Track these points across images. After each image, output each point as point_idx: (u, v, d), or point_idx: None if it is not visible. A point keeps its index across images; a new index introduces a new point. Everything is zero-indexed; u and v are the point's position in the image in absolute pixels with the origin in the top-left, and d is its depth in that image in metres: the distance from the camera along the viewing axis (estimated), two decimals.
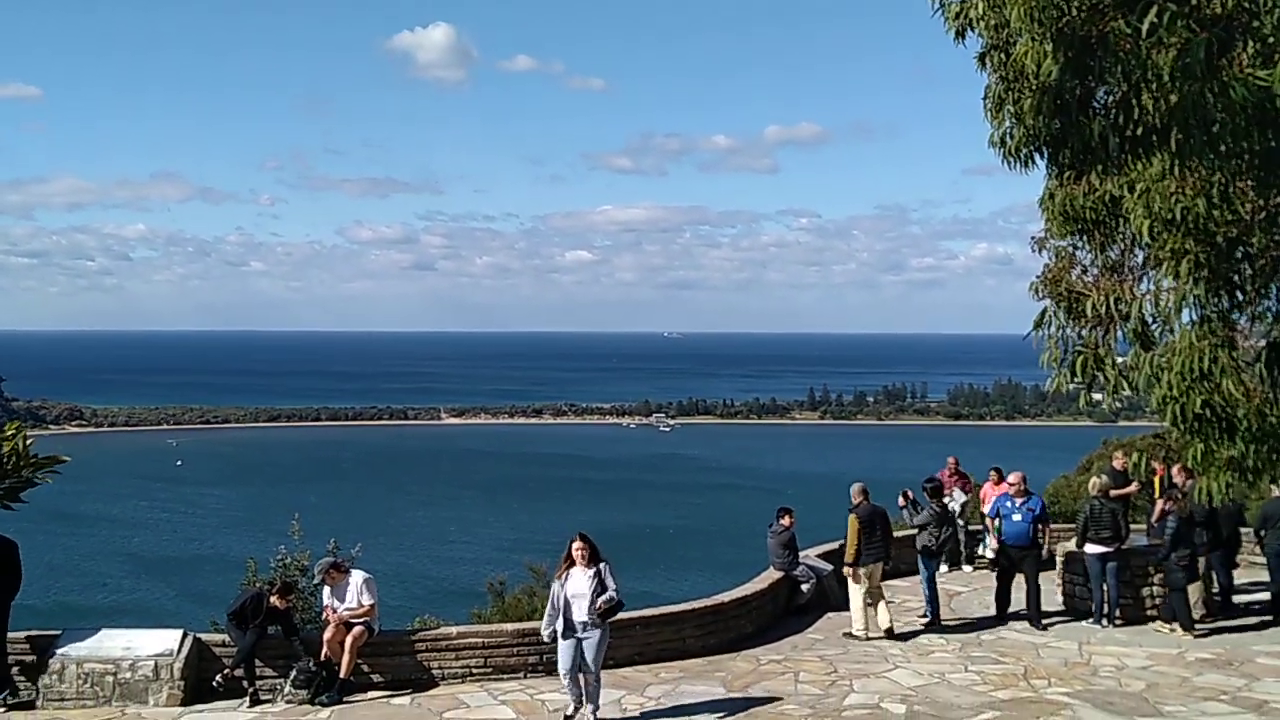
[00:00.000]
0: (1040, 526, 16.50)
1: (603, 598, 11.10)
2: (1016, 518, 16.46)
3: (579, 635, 11.16)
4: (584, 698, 11.33)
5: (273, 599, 13.14)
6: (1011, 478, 17.19)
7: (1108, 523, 15.93)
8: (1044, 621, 16.02)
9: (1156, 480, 18.54)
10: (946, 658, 14.40)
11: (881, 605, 15.91)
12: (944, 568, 18.96)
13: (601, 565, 11.28)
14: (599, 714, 11.29)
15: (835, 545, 17.87)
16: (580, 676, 11.30)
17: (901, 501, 17.56)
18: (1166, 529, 15.65)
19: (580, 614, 11.12)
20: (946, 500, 18.04)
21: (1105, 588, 16.08)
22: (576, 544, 11.39)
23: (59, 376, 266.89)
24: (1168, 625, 15.58)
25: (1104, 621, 15.96)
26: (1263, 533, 16.68)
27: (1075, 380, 9.15)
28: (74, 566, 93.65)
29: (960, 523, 20.03)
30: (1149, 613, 16.19)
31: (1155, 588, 16.25)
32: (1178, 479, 17.50)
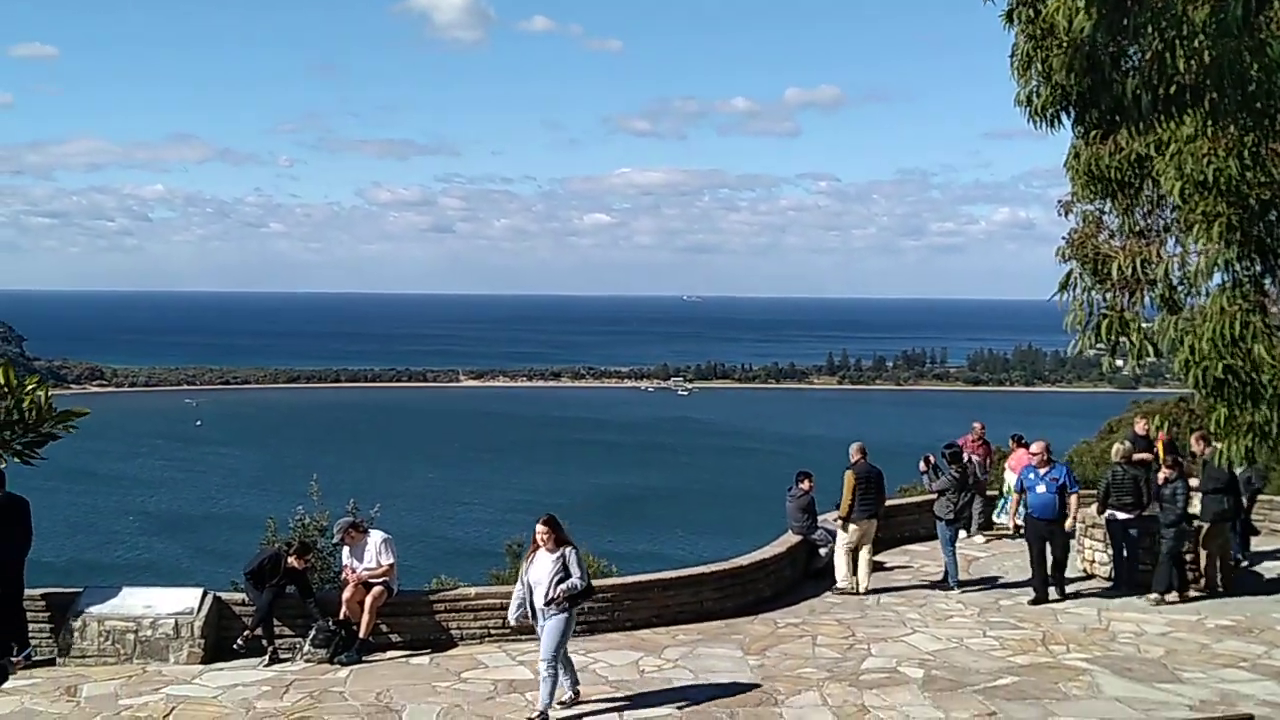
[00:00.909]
0: (1066, 497, 15.79)
1: (562, 585, 10.54)
2: (1040, 489, 15.81)
3: (540, 621, 10.67)
4: (552, 684, 10.58)
5: (290, 559, 13.16)
6: (1034, 447, 16.62)
7: (1130, 488, 15.82)
8: (1066, 590, 15.78)
9: (1160, 446, 18.45)
10: (965, 623, 14.36)
11: (864, 565, 16.34)
12: (962, 534, 18.83)
13: (566, 550, 10.72)
14: (550, 706, 10.55)
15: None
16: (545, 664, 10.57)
17: (923, 466, 17.48)
18: (1165, 495, 15.57)
19: (539, 600, 10.63)
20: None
21: (1124, 553, 16.02)
22: (540, 527, 10.88)
23: (80, 336, 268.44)
24: (1152, 595, 15.42)
25: (1125, 588, 15.88)
26: None
27: (1099, 344, 9.06)
28: (90, 524, 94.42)
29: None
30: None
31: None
32: (1195, 447, 17.47)
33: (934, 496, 16.98)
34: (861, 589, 16.16)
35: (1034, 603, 15.23)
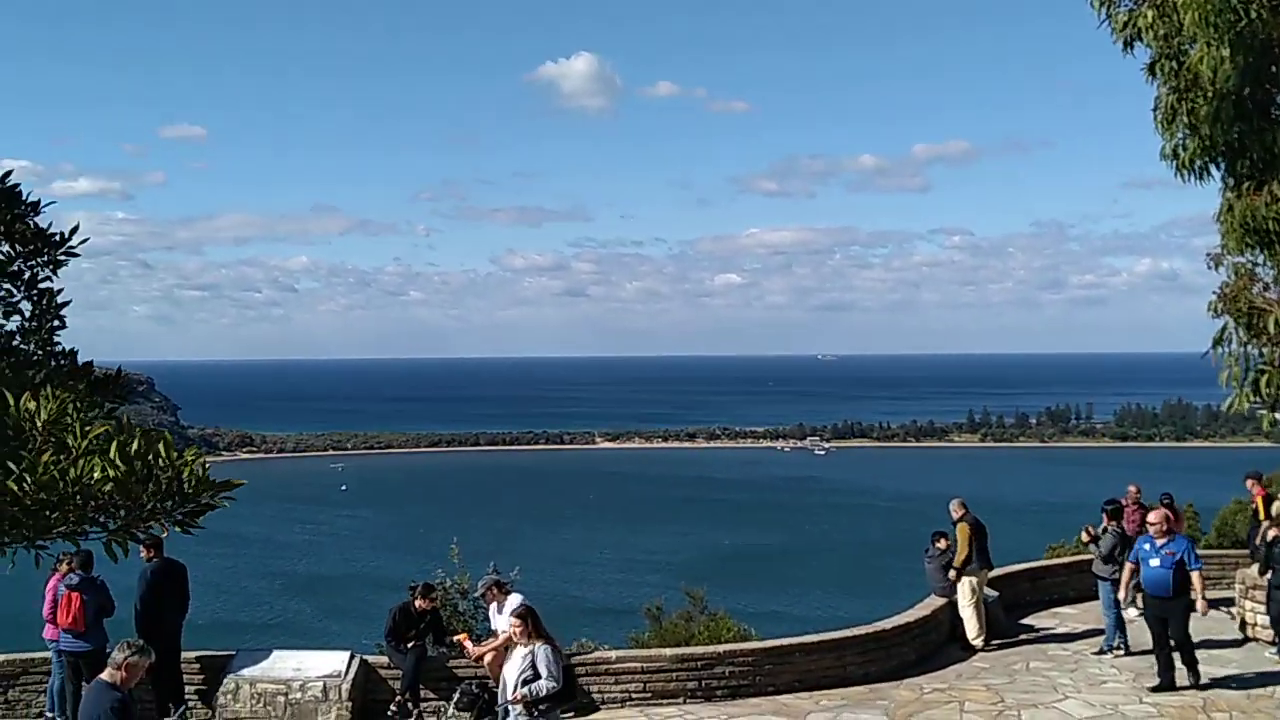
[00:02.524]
0: (1186, 574, 13.85)
1: (524, 688, 9.72)
2: (1155, 562, 14.04)
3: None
4: None
5: (417, 603, 13.45)
6: (1152, 517, 14.70)
7: None
8: (1199, 670, 13.96)
9: (1260, 502, 17.78)
10: (1120, 688, 13.86)
11: (979, 616, 16.40)
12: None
13: (538, 647, 9.88)
14: None
15: (1001, 571, 17.54)
16: None
17: (1085, 538, 17.07)
18: (1276, 555, 14.89)
19: (503, 696, 10.03)
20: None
21: None
22: (512, 619, 10.19)
23: (231, 405, 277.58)
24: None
25: None
26: None
27: (1256, 399, 8.79)
28: (232, 585, 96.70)
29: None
30: None
31: None
32: None
33: (1089, 557, 16.54)
34: (972, 639, 16.25)
35: (1155, 689, 13.67)
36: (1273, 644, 15.38)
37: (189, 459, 7.73)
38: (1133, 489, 19.19)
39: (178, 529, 7.56)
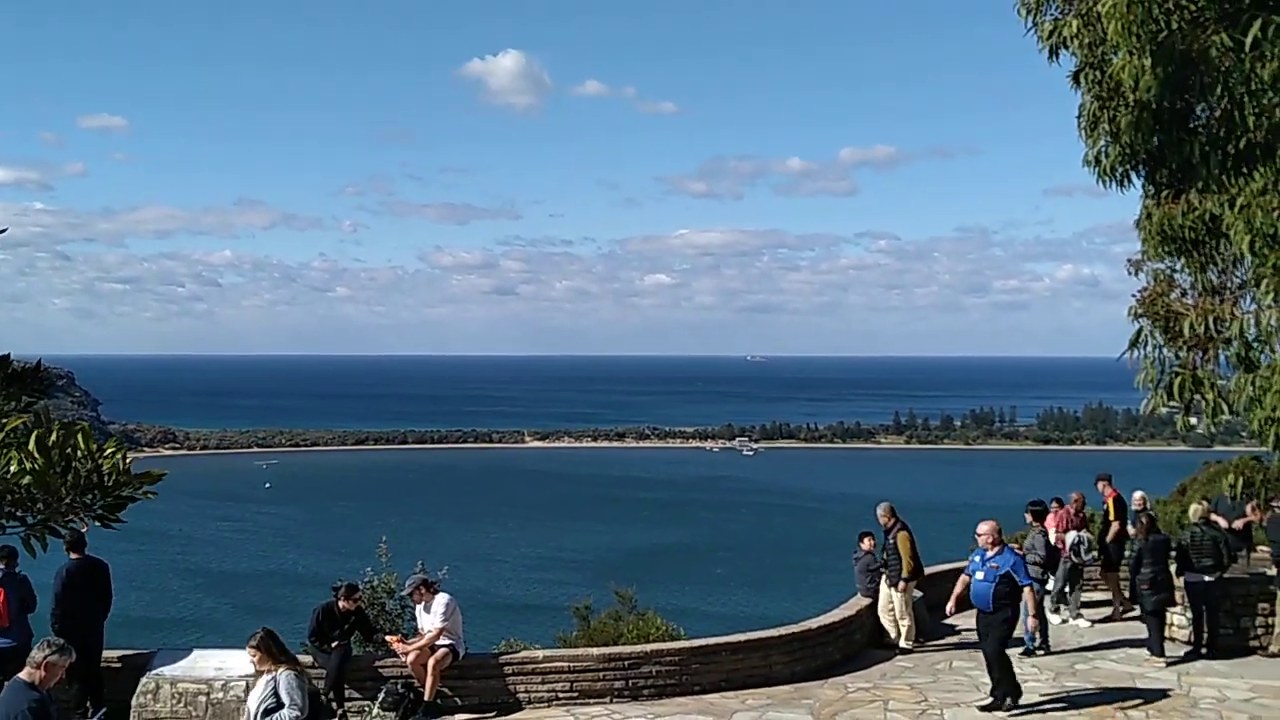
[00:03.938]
0: (1012, 589, 13.12)
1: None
2: (979, 575, 13.26)
3: None
4: None
5: (340, 603, 13.34)
6: (981, 528, 13.61)
7: (1209, 550, 15.50)
8: (1003, 691, 13.01)
9: (1110, 504, 18.52)
10: (1040, 687, 14.07)
11: (914, 620, 16.71)
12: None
13: (280, 674, 9.17)
14: None
15: (926, 571, 17.71)
16: None
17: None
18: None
19: None
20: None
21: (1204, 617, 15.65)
22: (248, 648, 9.44)
23: (153, 400, 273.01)
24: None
25: (1204, 652, 15.51)
26: None
27: (1172, 402, 8.96)
28: (146, 581, 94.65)
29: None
30: (1251, 643, 15.74)
31: (1259, 617, 15.83)
32: (1252, 517, 17.32)
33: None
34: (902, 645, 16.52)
35: (985, 709, 12.93)
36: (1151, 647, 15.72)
37: (109, 452, 7.63)
38: (1077, 496, 18.82)
39: (98, 523, 7.46)
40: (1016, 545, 16.09)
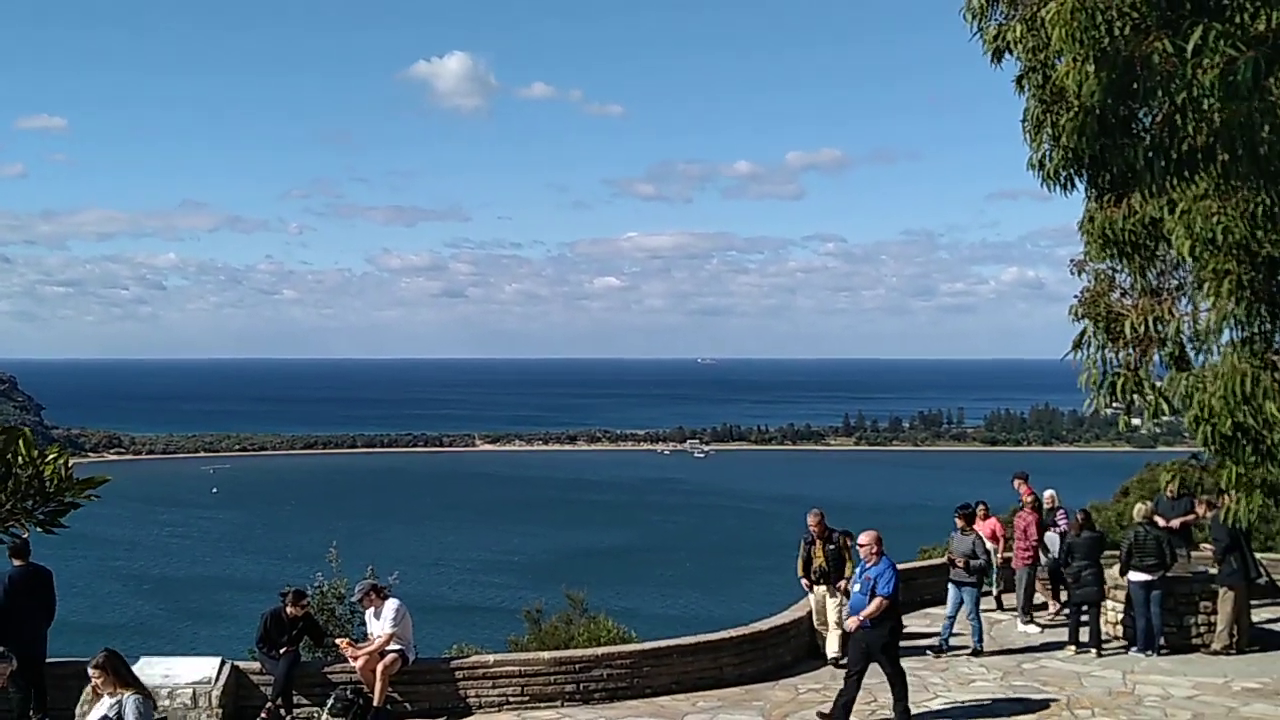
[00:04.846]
0: (881, 603, 12.38)
1: None
2: (856, 588, 12.81)
3: None
4: None
5: (288, 609, 13.24)
6: (861, 538, 13.09)
7: (1152, 550, 15.70)
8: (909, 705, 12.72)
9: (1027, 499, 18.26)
10: (988, 686, 14.22)
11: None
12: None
13: (126, 697, 8.48)
14: None
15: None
16: None
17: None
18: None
19: None
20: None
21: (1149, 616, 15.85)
22: (90, 668, 8.74)
23: (97, 405, 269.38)
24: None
25: (1149, 651, 15.71)
26: None
27: (1114, 402, 9.07)
28: (85, 587, 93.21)
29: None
30: (1194, 641, 15.97)
31: (1200, 615, 16.05)
32: (1199, 510, 17.54)
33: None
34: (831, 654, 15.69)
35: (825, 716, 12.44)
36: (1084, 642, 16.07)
37: (51, 458, 7.50)
38: (1050, 494, 18.83)
39: (39, 529, 7.33)
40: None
